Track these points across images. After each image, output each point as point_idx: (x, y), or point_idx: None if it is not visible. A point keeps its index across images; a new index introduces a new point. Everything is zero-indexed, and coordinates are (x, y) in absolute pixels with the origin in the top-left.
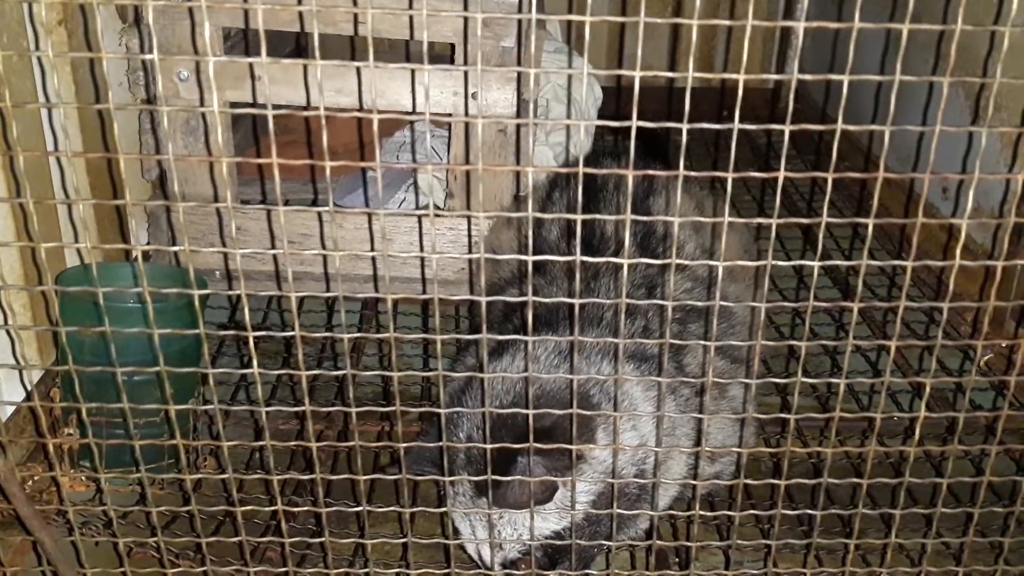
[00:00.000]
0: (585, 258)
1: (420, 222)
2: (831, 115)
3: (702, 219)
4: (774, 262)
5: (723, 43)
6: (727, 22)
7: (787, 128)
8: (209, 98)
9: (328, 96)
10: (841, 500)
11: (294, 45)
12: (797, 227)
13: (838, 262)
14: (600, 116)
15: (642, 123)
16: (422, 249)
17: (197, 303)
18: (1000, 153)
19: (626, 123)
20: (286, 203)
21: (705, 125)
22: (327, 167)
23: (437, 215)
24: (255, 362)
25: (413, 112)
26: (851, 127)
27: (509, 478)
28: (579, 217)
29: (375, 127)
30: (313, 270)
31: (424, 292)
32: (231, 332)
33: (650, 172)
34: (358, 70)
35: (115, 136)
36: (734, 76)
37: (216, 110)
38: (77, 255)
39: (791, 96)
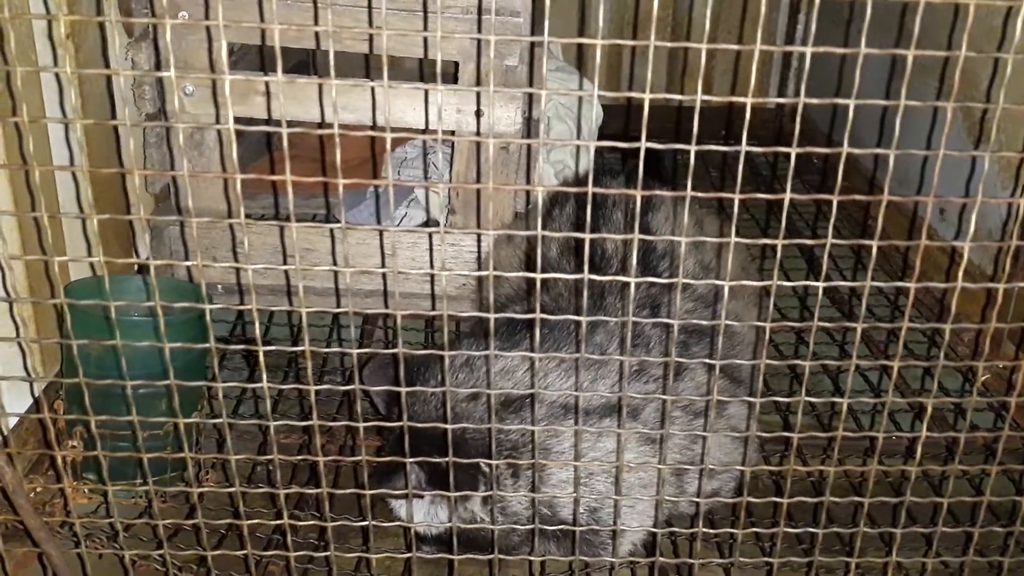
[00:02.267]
0: (593, 276)
1: (431, 238)
2: (835, 138)
3: (707, 239)
4: (778, 282)
5: (723, 64)
6: (735, 47)
7: (793, 151)
8: (215, 113)
9: (332, 114)
10: (840, 520)
11: (296, 60)
12: (798, 249)
13: (840, 283)
14: (601, 134)
15: (651, 144)
16: (431, 265)
17: (208, 317)
18: (997, 176)
19: (635, 144)
20: (287, 218)
21: (713, 147)
22: (340, 184)
23: (447, 231)
24: (264, 376)
25: (425, 130)
26: (856, 150)
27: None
28: (587, 236)
29: (388, 142)
30: (315, 285)
31: (431, 308)
32: (241, 347)
33: (657, 192)
34: (372, 89)
35: (131, 151)
36: (742, 100)
37: (231, 127)
38: (79, 268)
39: (797, 119)
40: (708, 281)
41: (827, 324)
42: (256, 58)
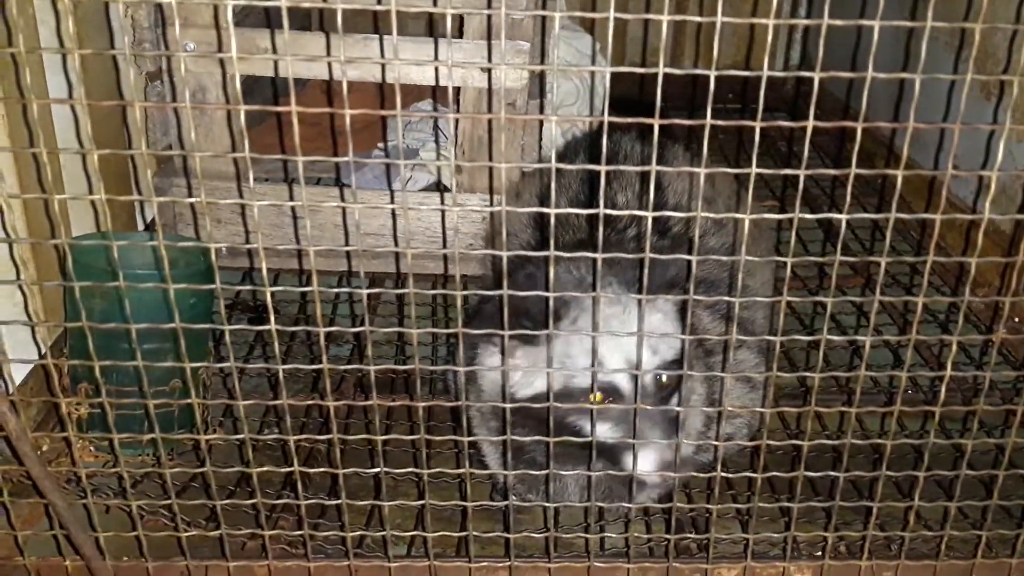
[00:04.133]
0: (608, 211)
1: (443, 197)
2: (851, 103)
3: (727, 170)
4: (800, 215)
5: (730, 26)
6: None
7: (816, 75)
8: (214, 71)
9: (338, 70)
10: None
11: (299, 25)
12: (816, 221)
13: (863, 215)
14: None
15: (670, 70)
16: (440, 225)
17: (213, 255)
18: (1012, 132)
19: (652, 70)
20: (294, 180)
21: (733, 73)
22: (347, 114)
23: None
24: (272, 318)
25: (436, 86)
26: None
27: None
28: (603, 168)
29: (398, 98)
30: (321, 247)
31: (440, 268)
32: (247, 287)
33: (675, 122)
34: (381, 43)
35: (131, 82)
36: (762, 22)
37: (234, 54)
38: (83, 224)
39: (821, 42)
40: (729, 215)
41: (849, 259)
42: (260, 19)
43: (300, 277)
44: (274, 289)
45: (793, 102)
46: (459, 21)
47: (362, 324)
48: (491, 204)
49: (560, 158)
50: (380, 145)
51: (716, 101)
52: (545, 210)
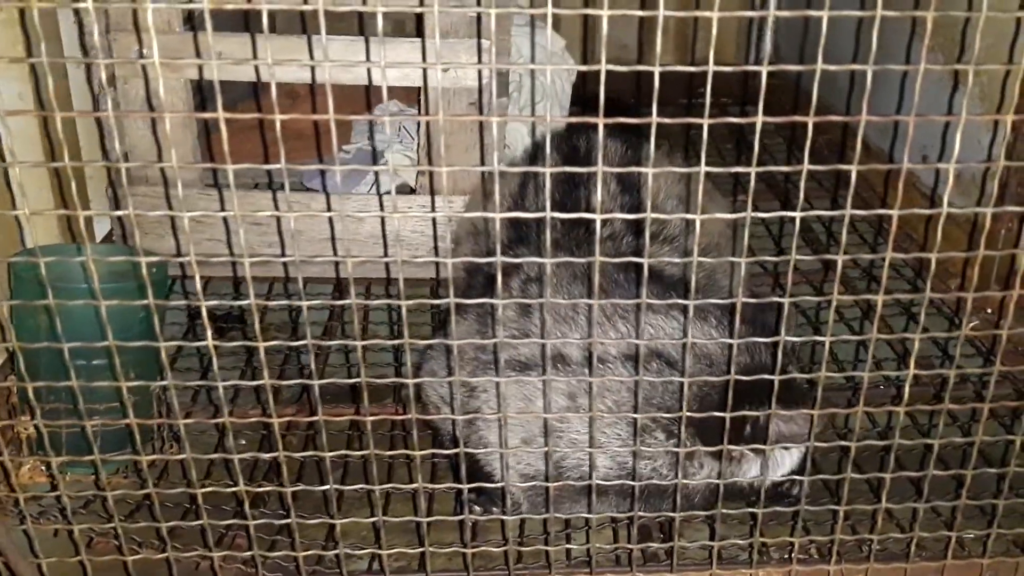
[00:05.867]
0: (556, 214)
1: (382, 203)
2: (806, 88)
3: (678, 169)
4: (752, 214)
5: (699, 21)
6: None
7: (764, 70)
8: (168, 76)
9: (289, 72)
10: (825, 472)
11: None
12: (776, 200)
13: (819, 211)
14: (573, 93)
15: (611, 67)
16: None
17: (144, 270)
18: (979, 119)
19: (594, 67)
20: (254, 186)
21: (679, 67)
22: (281, 149)
23: (413, 195)
24: (209, 332)
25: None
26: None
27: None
28: (548, 170)
29: (329, 100)
30: (278, 252)
31: (393, 273)
32: (182, 303)
33: (621, 120)
34: (310, 42)
35: (50, 88)
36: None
37: (156, 60)
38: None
39: (768, 31)
40: (680, 215)
41: (806, 257)
42: (215, 25)
43: (263, 286)
44: (209, 304)
45: (745, 87)
46: (415, 21)
47: (324, 334)
48: (432, 208)
49: (531, 157)
50: (345, 147)
51: (675, 97)
52: (488, 215)
